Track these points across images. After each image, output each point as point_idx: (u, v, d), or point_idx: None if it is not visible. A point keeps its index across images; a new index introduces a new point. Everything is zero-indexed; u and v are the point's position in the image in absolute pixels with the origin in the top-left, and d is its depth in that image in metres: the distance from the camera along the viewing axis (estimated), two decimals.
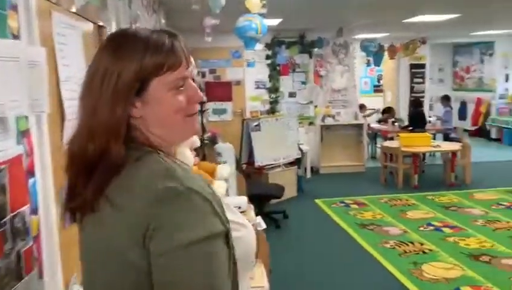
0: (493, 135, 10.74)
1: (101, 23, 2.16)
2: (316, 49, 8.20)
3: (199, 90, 0.92)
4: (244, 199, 2.77)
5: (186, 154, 1.31)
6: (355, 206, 5.84)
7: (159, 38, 0.86)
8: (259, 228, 3.42)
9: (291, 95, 8.30)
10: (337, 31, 7.83)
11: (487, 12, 6.64)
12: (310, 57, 8.26)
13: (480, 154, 8.41)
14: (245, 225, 0.96)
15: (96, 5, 2.16)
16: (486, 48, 11.23)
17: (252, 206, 2.89)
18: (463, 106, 12.01)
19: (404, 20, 7.14)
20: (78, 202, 0.85)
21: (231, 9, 4.52)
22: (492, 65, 11.05)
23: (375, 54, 8.81)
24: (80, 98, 0.88)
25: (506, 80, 10.74)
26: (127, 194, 0.81)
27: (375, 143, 9.29)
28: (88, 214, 0.85)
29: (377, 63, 9.32)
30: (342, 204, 5.94)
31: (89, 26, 1.95)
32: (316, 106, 8.28)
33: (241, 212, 2.30)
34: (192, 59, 0.94)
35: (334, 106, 8.13)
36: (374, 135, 9.21)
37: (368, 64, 9.72)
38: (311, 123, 8.25)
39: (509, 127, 9.97)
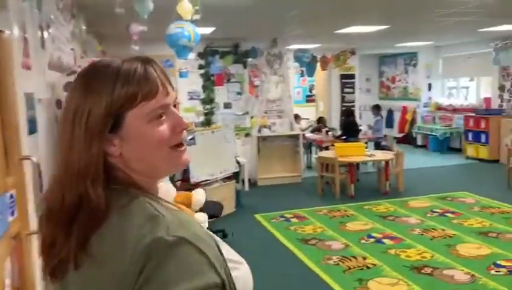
0: (419, 142, 11.25)
1: None
2: (250, 59, 8.04)
3: (182, 118, 0.84)
4: None
5: (165, 187, 1.09)
6: (296, 220, 5.70)
7: (130, 66, 0.80)
8: None
9: (227, 106, 8.07)
10: (271, 41, 7.73)
11: (412, 24, 6.88)
12: (245, 67, 8.09)
13: (408, 161, 8.68)
14: (241, 262, 0.94)
15: None
16: (410, 58, 11.79)
17: None
18: (390, 114, 12.49)
19: (336, 30, 7.20)
20: (58, 260, 0.78)
21: (161, 15, 4.19)
22: (416, 75, 11.61)
23: (308, 65, 8.85)
24: (58, 141, 0.82)
25: (429, 89, 11.32)
26: (112, 248, 0.74)
27: (310, 153, 9.31)
28: (70, 272, 0.78)
29: (310, 73, 9.39)
30: (282, 218, 5.77)
31: None
32: (252, 117, 8.11)
33: None
34: (172, 84, 0.85)
35: (269, 117, 8.01)
36: (308, 145, 9.22)
37: (302, 74, 9.76)
38: (247, 134, 8.05)
39: (433, 134, 10.47)
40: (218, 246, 0.79)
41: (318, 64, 9.50)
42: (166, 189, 1.20)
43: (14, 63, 1.95)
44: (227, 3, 4.78)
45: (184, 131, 0.84)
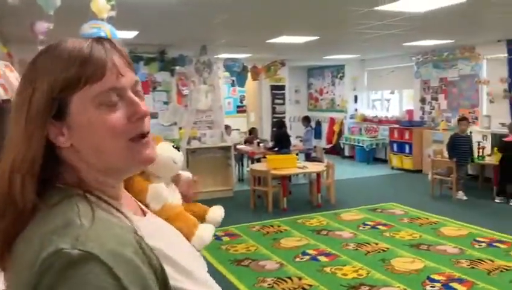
0: (347, 153, 11.47)
1: None
2: (178, 67, 7.62)
3: (141, 104, 0.72)
4: None
5: (158, 192, 1.01)
6: (227, 238, 5.36)
7: (73, 45, 0.70)
8: None
9: (153, 116, 7.54)
10: (200, 49, 7.38)
11: (340, 36, 6.92)
12: (172, 75, 7.65)
13: (337, 172, 8.69)
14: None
15: None
16: (337, 71, 12.05)
17: None
18: (318, 125, 12.65)
19: (267, 40, 7.04)
20: None
21: (72, 13, 3.70)
22: (342, 87, 11.87)
23: (239, 75, 8.62)
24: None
25: (356, 101, 11.61)
26: (24, 256, 0.63)
27: (242, 165, 9.05)
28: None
29: (240, 83, 9.17)
30: (213, 237, 5.38)
31: None
32: (180, 128, 7.68)
33: None
34: (132, 67, 0.74)
35: (199, 128, 7.64)
36: (240, 157, 8.96)
37: (233, 84, 9.52)
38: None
39: (360, 145, 10.71)
40: (156, 272, 0.65)
41: (249, 75, 9.31)
42: (155, 192, 1.04)
43: None
44: (148, 2, 4.37)
45: (145, 120, 0.73)
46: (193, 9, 4.72)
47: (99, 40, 0.73)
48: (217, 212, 1.01)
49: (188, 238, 0.91)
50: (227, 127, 8.38)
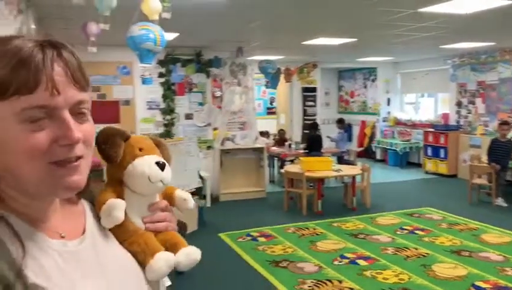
0: (378, 156, 11.32)
1: None
2: (213, 69, 7.70)
3: (72, 130, 0.63)
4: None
5: (109, 209, 0.80)
6: (263, 239, 5.37)
7: (16, 44, 0.61)
8: (162, 288, 2.72)
9: (188, 116, 7.64)
10: (235, 51, 7.43)
11: (377, 38, 6.83)
12: (207, 76, 7.73)
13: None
14: None
15: None
16: (369, 73, 11.90)
17: None
18: (349, 128, 12.52)
19: (303, 42, 7.03)
20: None
21: (119, 15, 3.79)
22: (375, 90, 11.72)
23: (273, 76, 8.63)
24: None
25: (388, 103, 11.45)
26: None
27: (273, 167, 9.05)
28: None
29: (274, 85, 9.17)
30: (249, 237, 5.42)
31: None
32: (214, 129, 7.74)
33: None
34: (83, 85, 0.66)
35: (232, 129, 7.69)
36: (272, 158, 8.96)
37: (267, 86, 9.55)
38: (209, 147, 7.67)
39: (393, 148, 10.55)
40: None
41: (282, 76, 9.32)
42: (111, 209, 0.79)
43: None
44: (194, 7, 4.44)
45: (75, 146, 0.64)
46: (234, 12, 4.76)
47: (46, 45, 0.64)
48: (187, 256, 0.75)
49: (143, 266, 0.80)
50: (265, 133, 8.38)
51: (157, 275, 0.80)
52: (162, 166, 0.85)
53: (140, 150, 0.86)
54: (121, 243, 0.81)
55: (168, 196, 0.93)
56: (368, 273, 4.25)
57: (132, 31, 3.57)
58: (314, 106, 11.21)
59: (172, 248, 0.85)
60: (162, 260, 0.80)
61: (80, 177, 0.66)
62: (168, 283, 2.74)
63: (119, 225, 0.81)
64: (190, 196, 0.99)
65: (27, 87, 0.60)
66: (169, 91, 7.44)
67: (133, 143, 0.86)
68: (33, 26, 4.21)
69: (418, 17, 5.09)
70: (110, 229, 0.81)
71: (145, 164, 0.85)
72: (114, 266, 0.76)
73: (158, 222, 0.85)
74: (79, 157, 0.65)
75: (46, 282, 0.62)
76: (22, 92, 0.60)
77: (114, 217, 0.79)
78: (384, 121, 11.42)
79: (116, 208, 0.79)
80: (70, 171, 0.65)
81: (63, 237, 0.70)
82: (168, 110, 7.47)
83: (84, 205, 0.80)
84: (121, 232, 0.81)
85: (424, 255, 4.70)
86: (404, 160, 10.44)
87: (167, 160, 0.89)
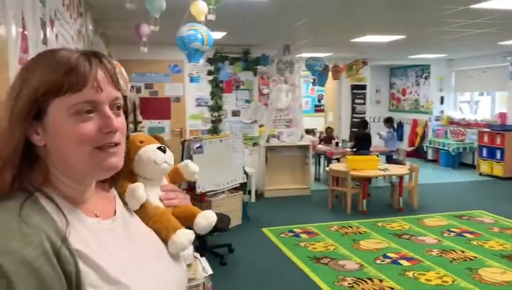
0: (430, 156, 10.97)
1: None
2: (260, 67, 7.82)
3: (113, 120, 0.78)
4: (189, 250, 2.19)
5: (133, 191, 0.95)
6: (306, 235, 5.42)
7: (65, 55, 0.77)
8: (205, 275, 2.86)
9: (235, 113, 7.82)
10: (283, 48, 7.50)
11: (428, 35, 6.65)
12: (255, 74, 7.86)
13: (419, 176, 8.41)
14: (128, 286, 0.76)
15: None
16: (422, 70, 11.54)
17: (199, 260, 2.32)
18: (400, 127, 12.22)
19: (351, 39, 6.98)
20: None
21: (170, 16, 3.98)
22: (428, 88, 11.35)
23: (320, 74, 8.62)
24: None
25: (441, 102, 11.06)
26: None
27: (319, 165, 9.04)
28: None
29: (322, 82, 9.15)
30: (291, 233, 5.49)
31: None
32: (260, 126, 7.87)
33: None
34: (118, 85, 0.81)
35: (277, 126, 7.77)
36: (317, 156, 8.95)
37: (314, 83, 9.53)
38: (255, 144, 7.80)
39: (445, 148, 10.19)
40: (69, 276, 0.69)
41: (329, 74, 9.27)
42: (131, 193, 0.97)
43: (10, 60, 1.72)
44: (241, 6, 4.56)
45: (115, 134, 0.78)
46: (281, 10, 4.84)
47: (88, 55, 0.78)
48: (205, 218, 0.87)
49: (166, 241, 0.92)
50: (311, 131, 8.40)
51: (179, 248, 0.93)
52: (163, 150, 1.01)
53: (141, 142, 1.02)
54: (146, 223, 0.94)
55: (174, 172, 1.08)
56: (410, 273, 4.20)
57: (181, 32, 3.75)
58: (364, 103, 11.05)
59: (190, 216, 0.99)
60: (184, 235, 0.93)
61: (117, 159, 0.80)
62: (209, 271, 2.89)
63: (142, 207, 0.94)
64: (189, 161, 1.13)
65: (77, 87, 0.75)
66: (217, 89, 7.65)
67: (133, 139, 1.01)
68: (90, 28, 4.52)
69: (470, 14, 4.92)
70: (135, 212, 0.94)
71: (149, 151, 1.00)
72: (140, 241, 0.88)
73: (172, 199, 1.01)
74: (117, 144, 0.79)
75: (86, 249, 0.75)
76: (73, 90, 0.75)
77: (138, 197, 0.93)
78: (436, 120, 11.04)
79: (137, 189, 0.94)
80: (110, 154, 0.78)
81: (97, 217, 0.83)
82: (216, 107, 7.68)
83: (114, 192, 0.94)
84: (144, 214, 0.95)
85: (471, 259, 4.56)
86: (457, 161, 10.06)
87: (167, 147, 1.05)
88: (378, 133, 8.94)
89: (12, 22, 1.78)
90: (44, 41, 2.40)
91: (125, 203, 0.94)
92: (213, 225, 1.01)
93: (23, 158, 0.76)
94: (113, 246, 0.81)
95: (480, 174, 9.21)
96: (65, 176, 0.79)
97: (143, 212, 0.95)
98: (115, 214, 0.88)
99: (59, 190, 0.79)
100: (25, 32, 2.00)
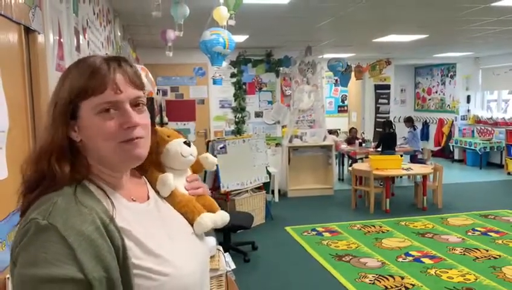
0: (456, 156, 10.81)
1: (32, 27, 1.70)
2: (282, 68, 7.92)
3: (133, 116, 0.88)
4: (212, 242, 2.32)
5: (164, 180, 1.08)
6: (328, 234, 5.49)
7: (90, 62, 0.88)
8: (228, 269, 2.99)
9: (258, 114, 7.96)
10: (305, 50, 7.59)
11: (452, 34, 6.61)
12: (277, 76, 7.97)
13: (445, 175, 8.31)
14: (168, 274, 0.87)
15: (28, 3, 1.70)
16: (448, 69, 11.39)
17: (223, 253, 2.43)
18: (425, 126, 12.09)
19: (374, 39, 7.00)
20: None
21: (194, 22, 4.14)
22: (454, 86, 11.19)
23: (342, 74, 8.65)
24: None
25: (468, 101, 10.89)
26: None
27: (343, 165, 9.06)
28: None
29: (344, 83, 9.18)
30: (314, 232, 5.57)
31: (12, 28, 1.49)
32: (283, 127, 7.97)
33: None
34: (138, 85, 0.91)
35: (300, 127, 7.85)
36: (341, 156, 8.98)
37: (336, 84, 9.56)
38: (278, 144, 7.91)
39: (472, 148, 10.03)
40: (117, 249, 0.81)
41: (352, 74, 9.29)
42: (162, 182, 1.11)
43: (48, 66, 1.89)
44: (263, 10, 4.69)
45: (136, 128, 0.88)
46: (302, 12, 4.93)
47: (108, 60, 0.88)
48: (221, 217, 1.04)
49: (191, 224, 1.04)
50: (334, 132, 8.45)
51: (203, 228, 1.06)
52: (188, 144, 1.14)
53: (168, 136, 1.14)
54: (174, 208, 1.07)
55: (196, 163, 1.20)
56: (432, 271, 4.22)
57: (204, 36, 3.91)
58: (388, 103, 10.98)
59: (209, 209, 1.12)
60: (207, 217, 1.07)
61: (141, 150, 0.90)
62: (233, 265, 3.01)
63: (171, 194, 1.07)
64: (208, 154, 1.26)
65: (99, 89, 0.85)
66: (241, 90, 7.80)
67: (161, 134, 1.13)
68: (119, 34, 4.73)
69: (492, 12, 4.89)
70: (165, 199, 1.07)
71: (176, 145, 1.13)
72: (171, 221, 1.01)
73: (196, 188, 1.14)
74: (139, 137, 0.89)
75: (129, 226, 0.87)
76: (96, 93, 0.85)
77: (168, 185, 1.06)
78: (463, 119, 10.88)
79: (168, 178, 1.07)
80: (134, 146, 0.89)
81: (134, 201, 0.96)
82: (239, 109, 7.83)
83: (145, 179, 1.07)
84: (173, 199, 1.08)
85: (495, 257, 4.54)
86: (484, 160, 9.89)
87: None
88: (403, 137, 8.91)
89: (50, 31, 1.96)
90: (78, 48, 2.58)
91: (155, 191, 1.06)
92: (226, 222, 1.13)
93: (70, 152, 0.88)
94: (149, 224, 0.93)
95: (509, 173, 9.03)
96: (102, 165, 0.90)
97: (172, 198, 1.08)
98: (148, 198, 1.00)
99: (100, 178, 0.91)
100: (61, 40, 2.18)
